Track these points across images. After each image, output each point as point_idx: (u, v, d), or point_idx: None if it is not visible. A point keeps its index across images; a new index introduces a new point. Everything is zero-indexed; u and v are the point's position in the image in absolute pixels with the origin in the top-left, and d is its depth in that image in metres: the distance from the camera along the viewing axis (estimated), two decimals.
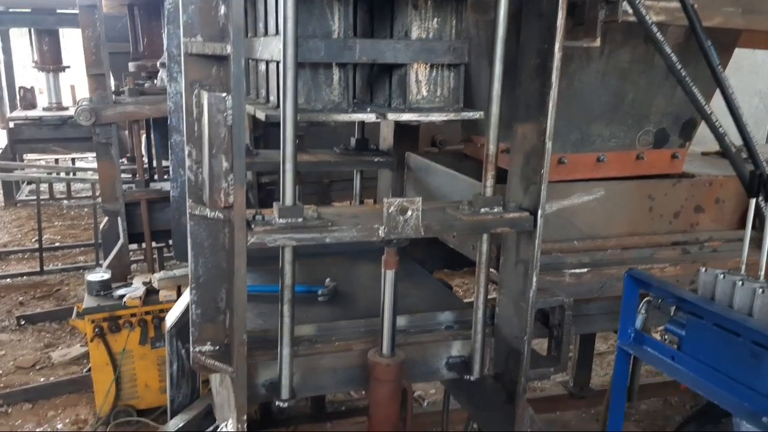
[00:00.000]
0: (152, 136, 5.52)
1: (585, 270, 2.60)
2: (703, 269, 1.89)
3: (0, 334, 5.39)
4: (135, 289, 4.04)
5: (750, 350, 1.63)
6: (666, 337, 1.89)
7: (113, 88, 4.77)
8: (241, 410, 2.04)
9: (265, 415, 3.80)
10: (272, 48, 2.14)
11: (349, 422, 4.08)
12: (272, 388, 2.20)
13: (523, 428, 2.35)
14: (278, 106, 2.23)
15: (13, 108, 9.59)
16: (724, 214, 2.84)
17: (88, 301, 3.99)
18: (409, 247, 2.19)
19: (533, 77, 2.15)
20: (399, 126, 3.31)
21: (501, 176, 2.26)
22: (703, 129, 2.85)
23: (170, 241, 5.50)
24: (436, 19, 2.11)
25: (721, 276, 1.81)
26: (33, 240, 7.49)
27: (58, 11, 7.95)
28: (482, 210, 2.19)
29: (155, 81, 5.91)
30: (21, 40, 10.78)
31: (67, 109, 8.98)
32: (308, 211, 2.07)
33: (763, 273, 2.01)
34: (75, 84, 10.54)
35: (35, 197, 7.68)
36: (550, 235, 2.31)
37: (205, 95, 1.85)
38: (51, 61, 8.67)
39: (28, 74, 11.03)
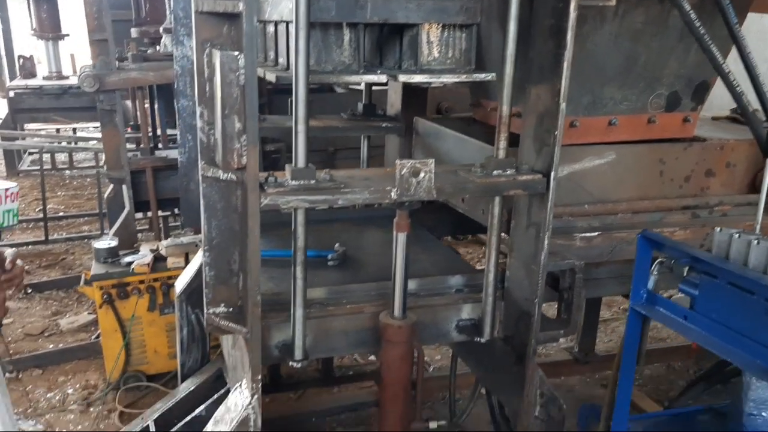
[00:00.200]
0: (156, 104, 5.47)
1: (595, 234, 2.60)
2: (718, 229, 1.90)
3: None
4: (143, 256, 4.05)
5: (764, 308, 1.64)
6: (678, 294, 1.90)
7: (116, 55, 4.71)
8: (255, 370, 2.06)
9: (274, 380, 3.85)
10: (282, 8, 2.11)
11: (357, 387, 4.13)
12: (285, 350, 2.22)
13: (532, 389, 2.37)
14: (288, 68, 2.22)
15: (12, 77, 9.50)
16: (735, 179, 2.83)
17: (96, 268, 4.00)
18: (417, 213, 2.18)
19: (547, 38, 2.12)
20: (407, 91, 3.28)
21: (512, 141, 2.25)
22: (711, 95, 2.84)
23: (176, 210, 5.51)
24: None
25: (736, 235, 1.81)
26: (37, 210, 7.49)
27: None
28: (495, 172, 2.19)
29: (158, 47, 5.84)
30: (19, 6, 10.61)
31: (67, 78, 8.91)
32: (320, 173, 2.06)
33: None
34: (75, 53, 10.44)
35: (38, 167, 7.67)
36: (561, 199, 2.30)
37: (217, 54, 1.83)
38: (50, 29, 8.57)
39: (26, 43, 10.89)
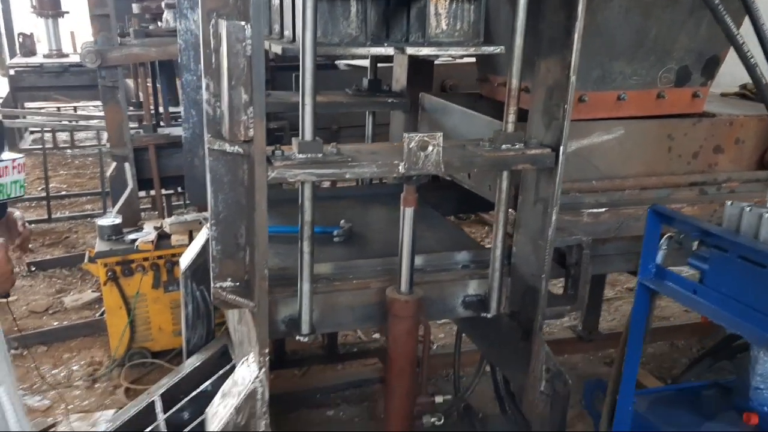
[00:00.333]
0: (158, 81, 5.43)
1: (603, 210, 2.59)
2: (729, 203, 1.88)
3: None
4: (146, 234, 4.05)
5: None
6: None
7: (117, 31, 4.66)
8: (263, 344, 2.06)
9: (279, 357, 3.86)
10: None
11: (361, 364, 4.14)
12: (292, 324, 2.22)
13: (539, 364, 2.38)
14: (294, 40, 2.19)
15: (12, 55, 9.43)
16: (744, 155, 2.81)
17: (100, 246, 4.00)
18: (421, 191, 2.17)
19: (557, 9, 2.09)
20: (413, 67, 3.25)
21: (520, 116, 2.22)
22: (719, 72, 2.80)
23: (179, 188, 5.49)
24: None
25: (748, 209, 1.80)
26: (39, 189, 7.47)
27: None
28: (503, 146, 2.17)
29: (160, 23, 5.79)
30: None
31: (67, 56, 8.85)
32: (328, 147, 2.05)
33: None
34: (74, 30, 10.36)
35: (39, 146, 7.63)
36: (568, 175, 2.28)
37: (223, 24, 1.80)
38: (50, 6, 8.50)
39: (26, 20, 10.80)
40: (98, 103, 7.68)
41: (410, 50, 2.13)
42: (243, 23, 1.79)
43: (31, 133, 9.77)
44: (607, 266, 2.82)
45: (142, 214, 5.84)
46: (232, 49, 1.79)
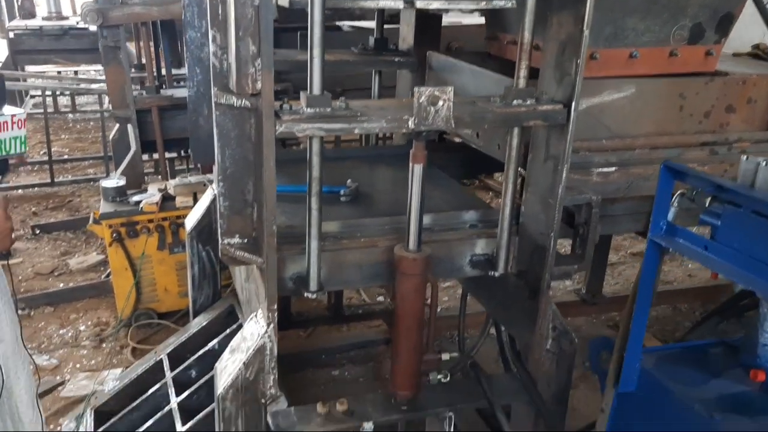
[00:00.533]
0: (161, 43, 5.35)
1: (612, 169, 2.56)
2: (744, 157, 1.86)
3: (16, 242, 5.45)
4: (151, 196, 4.04)
5: None
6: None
7: None
8: (271, 300, 2.06)
9: (284, 317, 3.88)
10: None
11: (365, 325, 4.17)
12: (300, 282, 2.21)
13: (545, 322, 2.38)
14: None
15: (11, 18, 9.30)
16: (756, 115, 2.77)
17: (105, 207, 4.00)
18: (429, 152, 2.14)
19: None
20: (420, 25, 3.20)
21: (530, 74, 2.18)
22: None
23: (182, 152, 5.46)
24: None
25: (763, 163, 1.78)
26: (41, 152, 7.44)
27: None
28: (515, 102, 2.13)
29: None
30: None
31: (67, 18, 8.72)
32: (336, 102, 2.01)
33: None
34: None
35: (40, 110, 7.57)
36: (578, 134, 2.25)
37: None
38: None
39: None
40: (99, 67, 7.60)
41: (420, 3, 2.08)
42: None
43: (32, 97, 9.69)
44: (615, 226, 2.81)
45: (146, 177, 5.82)
46: None
